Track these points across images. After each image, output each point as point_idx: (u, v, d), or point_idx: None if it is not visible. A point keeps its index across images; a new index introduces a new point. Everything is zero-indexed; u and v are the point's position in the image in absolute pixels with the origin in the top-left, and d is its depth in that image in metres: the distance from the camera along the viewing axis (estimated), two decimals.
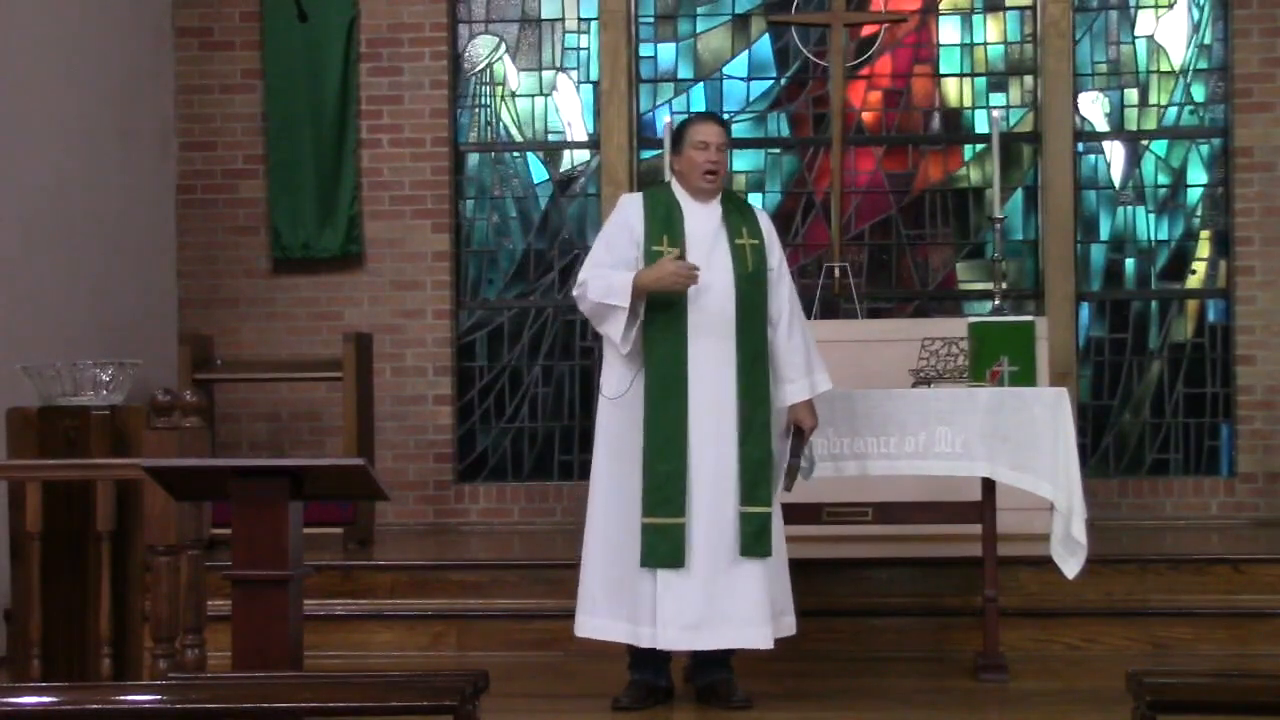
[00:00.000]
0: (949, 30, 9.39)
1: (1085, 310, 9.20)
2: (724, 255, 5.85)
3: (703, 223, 5.89)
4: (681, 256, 5.79)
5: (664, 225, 5.86)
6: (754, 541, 5.76)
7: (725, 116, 9.34)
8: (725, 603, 5.74)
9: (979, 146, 9.29)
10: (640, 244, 5.85)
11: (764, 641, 5.77)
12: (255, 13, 9.34)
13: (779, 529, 5.90)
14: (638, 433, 5.79)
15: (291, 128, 9.25)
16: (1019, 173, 9.28)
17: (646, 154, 9.38)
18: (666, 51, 9.50)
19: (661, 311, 5.78)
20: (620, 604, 5.82)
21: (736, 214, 5.96)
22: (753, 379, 5.81)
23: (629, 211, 5.95)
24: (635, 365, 5.85)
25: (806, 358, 5.96)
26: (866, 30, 9.13)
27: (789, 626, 5.92)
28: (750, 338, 5.83)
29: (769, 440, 5.83)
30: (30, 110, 7.71)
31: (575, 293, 5.94)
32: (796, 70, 9.43)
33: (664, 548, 5.72)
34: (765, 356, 5.87)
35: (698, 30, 9.49)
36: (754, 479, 5.78)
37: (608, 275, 5.82)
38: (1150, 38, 9.27)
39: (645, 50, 9.46)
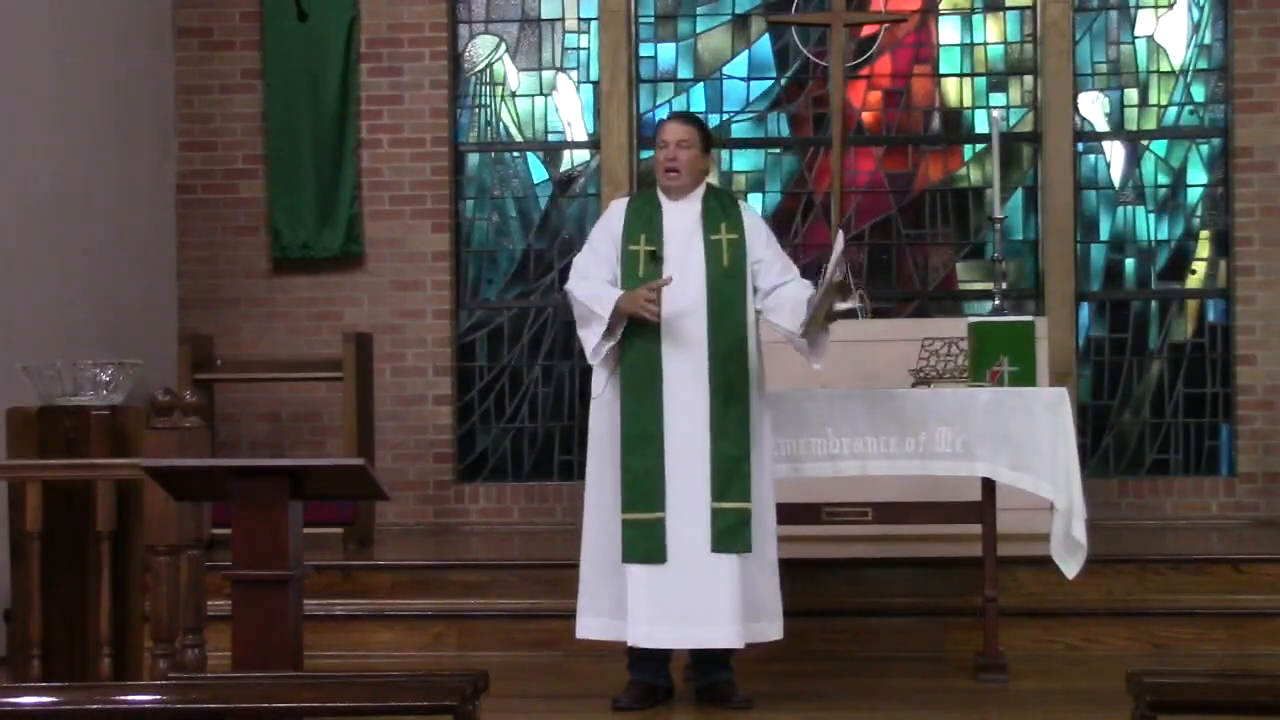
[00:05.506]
0: (949, 30, 9.38)
1: (1085, 310, 9.19)
2: (698, 251, 5.88)
3: (680, 220, 5.93)
4: (657, 254, 5.84)
5: (643, 225, 5.93)
6: (727, 537, 5.73)
7: (724, 117, 9.35)
8: (696, 600, 5.73)
9: (979, 146, 9.29)
10: (619, 244, 5.92)
11: (734, 641, 5.75)
12: (255, 13, 9.33)
13: (766, 530, 5.86)
14: (617, 431, 5.83)
15: (291, 128, 9.25)
16: (1019, 173, 9.27)
17: (646, 154, 9.37)
18: (666, 51, 9.50)
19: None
20: (604, 601, 5.86)
21: (717, 209, 5.97)
22: (726, 374, 5.80)
23: (612, 214, 6.07)
24: (612, 364, 5.90)
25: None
26: (866, 30, 9.14)
27: (774, 631, 5.88)
28: (724, 332, 5.82)
29: (745, 437, 5.81)
30: (30, 110, 7.71)
31: (566, 287, 6.04)
32: (796, 70, 9.42)
33: (644, 543, 5.75)
34: (743, 351, 5.85)
35: (698, 30, 9.48)
36: (727, 475, 5.76)
37: (599, 284, 5.88)
38: (1150, 38, 9.27)
39: (645, 50, 9.46)
